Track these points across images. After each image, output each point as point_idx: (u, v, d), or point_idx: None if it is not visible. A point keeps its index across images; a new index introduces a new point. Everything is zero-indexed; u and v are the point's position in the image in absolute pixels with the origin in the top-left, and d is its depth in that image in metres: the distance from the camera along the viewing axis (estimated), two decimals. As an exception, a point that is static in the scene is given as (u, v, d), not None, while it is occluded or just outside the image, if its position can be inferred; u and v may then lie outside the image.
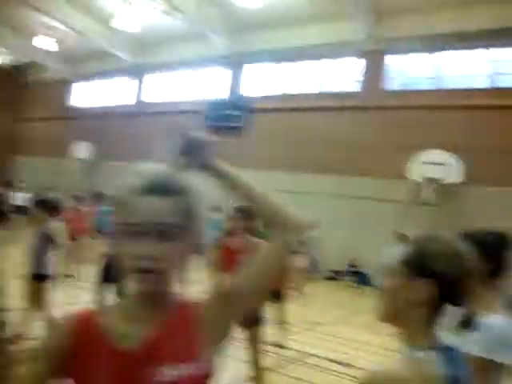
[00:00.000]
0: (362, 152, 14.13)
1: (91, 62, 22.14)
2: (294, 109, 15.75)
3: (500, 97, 12.54)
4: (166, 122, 18.66)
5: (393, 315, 1.35)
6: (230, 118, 17.15)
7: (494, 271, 2.06)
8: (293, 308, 9.90)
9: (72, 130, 22.03)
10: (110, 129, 20.63)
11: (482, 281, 1.92)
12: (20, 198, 15.51)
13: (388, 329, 5.14)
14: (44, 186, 16.95)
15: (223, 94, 18.09)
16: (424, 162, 13.07)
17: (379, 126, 14.05)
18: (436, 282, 1.27)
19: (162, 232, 1.09)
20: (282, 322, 6.74)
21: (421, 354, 1.23)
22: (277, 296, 6.87)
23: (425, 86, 14.61)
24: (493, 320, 1.87)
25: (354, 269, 13.96)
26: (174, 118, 18.59)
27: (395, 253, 1.36)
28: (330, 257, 13.70)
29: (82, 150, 20.95)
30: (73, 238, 8.22)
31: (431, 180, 12.99)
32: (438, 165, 12.88)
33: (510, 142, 12.05)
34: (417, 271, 1.29)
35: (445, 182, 12.88)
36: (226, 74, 18.35)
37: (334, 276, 13.69)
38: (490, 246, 2.05)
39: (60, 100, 23.89)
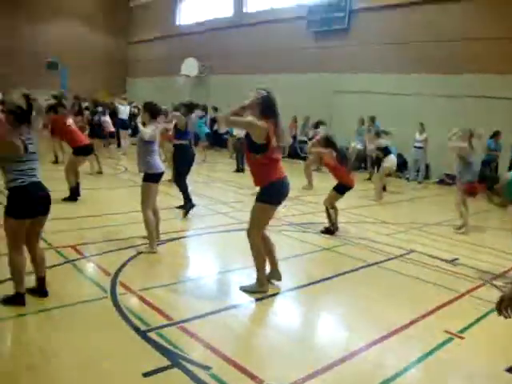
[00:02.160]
0: (471, 46, 12.76)
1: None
2: (399, 5, 14.50)
3: None
4: (269, 32, 18.37)
5: None
6: (334, 20, 16.35)
7: None
8: (400, 209, 9.92)
9: (179, 48, 22.52)
10: (215, 43, 20.73)
11: None
12: (125, 111, 16.19)
13: (501, 231, 4.92)
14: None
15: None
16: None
17: (489, 15, 12.52)
18: None
19: None
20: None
21: None
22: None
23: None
24: None
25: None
26: (277, 26, 18.17)
27: None
28: (444, 160, 12.99)
29: (189, 67, 21.45)
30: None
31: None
32: None
33: None
34: None
35: None
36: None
37: (447, 180, 13.09)
38: None
39: (166, 19, 24.29)
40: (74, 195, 8.11)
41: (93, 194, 8.83)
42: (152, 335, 3.55)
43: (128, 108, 16.62)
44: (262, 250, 4.60)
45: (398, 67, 14.38)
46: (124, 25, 26.52)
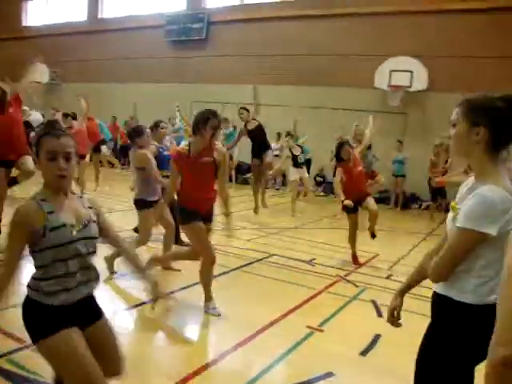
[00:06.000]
0: (326, 61, 13.84)
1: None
2: (257, 19, 15.17)
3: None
4: (127, 40, 17.89)
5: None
6: (192, 31, 16.50)
7: (502, 140, 1.83)
8: (259, 215, 10.22)
9: (29, 52, 20.87)
10: (68, 48, 19.60)
11: (487, 150, 1.82)
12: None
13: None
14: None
15: (183, 6, 17.23)
16: (390, 70, 12.98)
17: (344, 34, 13.71)
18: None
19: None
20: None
21: None
22: None
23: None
24: (485, 191, 1.74)
25: (321, 179, 14.18)
26: (135, 34, 17.79)
27: None
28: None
29: (39, 72, 19.99)
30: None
31: (397, 87, 12.95)
32: (404, 72, 12.81)
33: (472, 48, 11.97)
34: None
35: (411, 90, 12.87)
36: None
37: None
38: (498, 112, 1.79)
39: (12, 19, 22.35)
40: None
41: None
42: (1, 363, 3.20)
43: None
44: None
45: (258, 78, 14.93)
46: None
